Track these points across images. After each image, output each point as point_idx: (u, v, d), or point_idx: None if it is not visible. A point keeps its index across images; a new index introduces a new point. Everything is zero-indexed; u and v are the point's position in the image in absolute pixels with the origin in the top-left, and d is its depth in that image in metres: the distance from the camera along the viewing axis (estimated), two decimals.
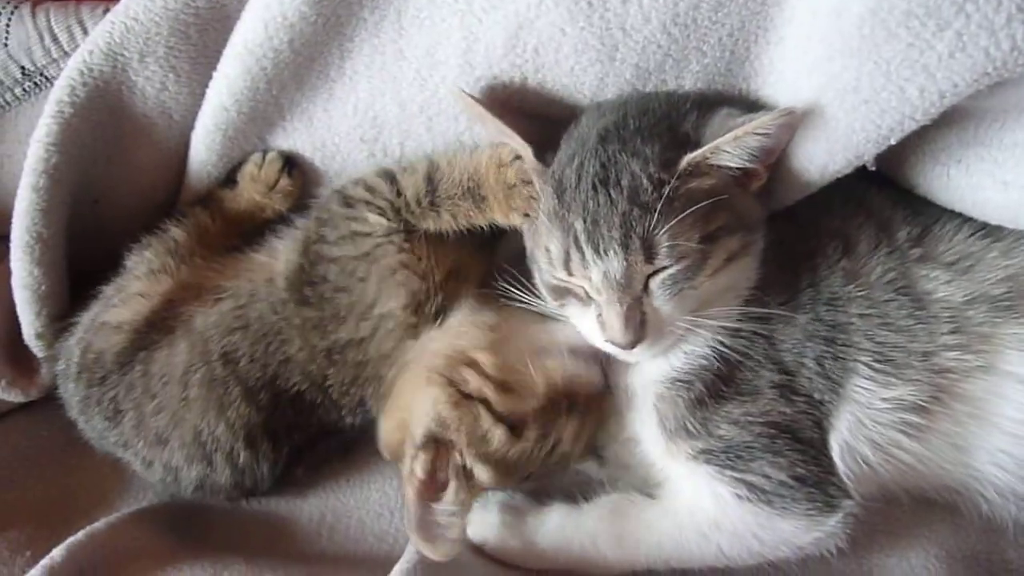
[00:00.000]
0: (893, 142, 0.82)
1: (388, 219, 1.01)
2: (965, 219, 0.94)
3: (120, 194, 1.19)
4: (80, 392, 1.09)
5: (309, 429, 1.06)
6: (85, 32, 1.19)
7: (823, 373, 0.88)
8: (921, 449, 0.89)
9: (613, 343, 0.86)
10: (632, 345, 0.85)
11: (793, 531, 0.88)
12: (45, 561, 0.92)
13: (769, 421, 0.88)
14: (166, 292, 1.09)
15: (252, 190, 1.16)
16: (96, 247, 1.18)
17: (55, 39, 1.20)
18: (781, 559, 0.91)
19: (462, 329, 0.97)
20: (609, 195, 0.84)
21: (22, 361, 1.21)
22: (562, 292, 0.91)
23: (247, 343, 1.02)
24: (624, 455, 1.00)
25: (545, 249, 0.90)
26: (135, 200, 1.20)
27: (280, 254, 1.09)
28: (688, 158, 0.83)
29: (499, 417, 0.89)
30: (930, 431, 0.89)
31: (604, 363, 0.96)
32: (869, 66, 0.78)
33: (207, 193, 1.19)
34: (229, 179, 1.18)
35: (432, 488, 0.88)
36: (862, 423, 0.88)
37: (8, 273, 1.14)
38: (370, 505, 1.10)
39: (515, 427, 0.89)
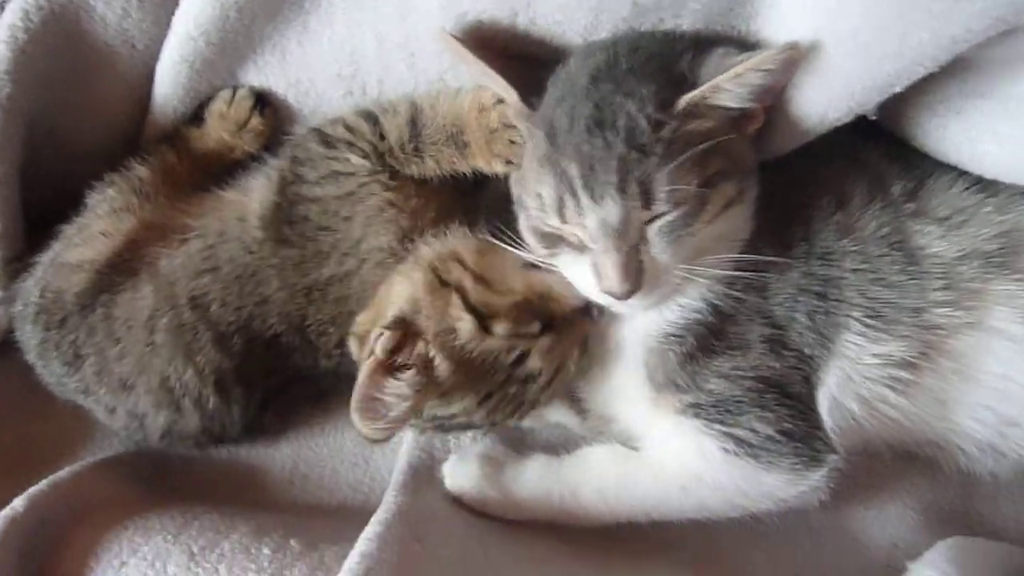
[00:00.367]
0: (898, 89, 0.80)
1: (371, 162, 0.99)
2: (960, 173, 0.92)
3: (81, 131, 1.15)
4: (38, 335, 1.06)
5: (285, 373, 1.04)
6: None
7: (814, 328, 0.87)
8: (906, 404, 0.89)
9: (609, 293, 0.84)
10: (628, 295, 0.83)
11: (778, 485, 0.88)
12: (6, 511, 0.90)
13: (758, 376, 0.87)
14: (129, 231, 1.06)
15: (221, 128, 1.12)
16: (57, 188, 1.13)
17: None
18: (763, 511, 0.91)
19: (454, 238, 0.97)
20: (604, 138, 0.81)
21: None
22: (554, 240, 0.88)
23: (218, 286, 1.00)
24: (607, 407, 0.99)
25: (536, 195, 0.87)
26: (97, 136, 1.15)
27: (252, 192, 1.05)
28: (687, 97, 0.81)
29: (471, 308, 0.89)
30: (916, 386, 0.89)
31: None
32: (877, 7, 0.75)
33: (173, 131, 1.15)
34: (196, 116, 1.14)
35: (387, 371, 0.86)
36: (850, 378, 0.88)
37: None
38: (344, 454, 1.09)
39: (485, 323, 0.89)
